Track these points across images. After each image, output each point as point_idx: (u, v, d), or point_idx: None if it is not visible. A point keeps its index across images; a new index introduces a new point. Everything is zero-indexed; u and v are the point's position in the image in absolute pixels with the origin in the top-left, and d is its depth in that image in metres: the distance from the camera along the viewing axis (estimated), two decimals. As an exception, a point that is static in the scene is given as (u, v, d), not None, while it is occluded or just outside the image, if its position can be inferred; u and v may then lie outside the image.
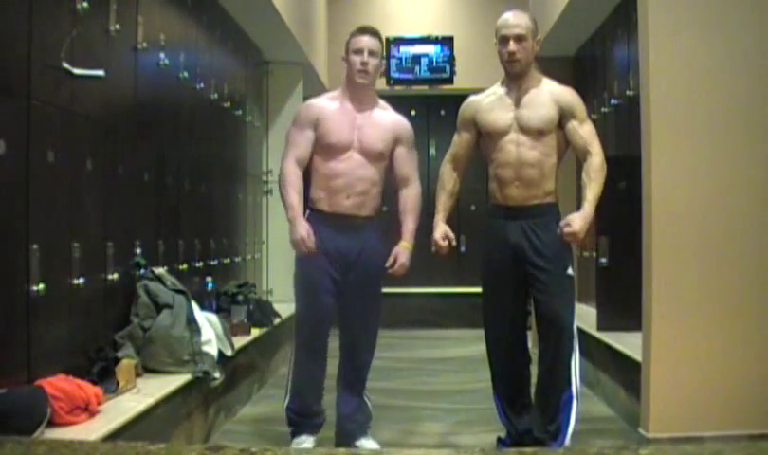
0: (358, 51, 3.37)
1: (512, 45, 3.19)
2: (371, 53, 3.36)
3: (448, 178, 3.41)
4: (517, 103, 3.24)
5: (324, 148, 3.36)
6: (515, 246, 3.20)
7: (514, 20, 3.23)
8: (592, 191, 3.13)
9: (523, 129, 3.20)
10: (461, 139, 3.40)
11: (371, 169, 3.36)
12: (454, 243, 3.33)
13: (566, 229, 3.09)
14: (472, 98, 3.39)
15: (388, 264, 3.37)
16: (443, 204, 3.38)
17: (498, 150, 3.25)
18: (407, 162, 3.46)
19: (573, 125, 3.20)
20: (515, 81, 3.26)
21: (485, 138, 3.31)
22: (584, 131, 3.20)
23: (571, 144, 3.24)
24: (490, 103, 3.30)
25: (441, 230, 3.31)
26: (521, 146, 3.20)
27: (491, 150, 3.29)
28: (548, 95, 3.24)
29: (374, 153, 3.36)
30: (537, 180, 3.21)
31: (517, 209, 3.22)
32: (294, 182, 3.34)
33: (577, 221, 3.09)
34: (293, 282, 3.47)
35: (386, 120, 3.44)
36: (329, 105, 3.42)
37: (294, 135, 3.41)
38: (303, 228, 3.26)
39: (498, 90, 3.33)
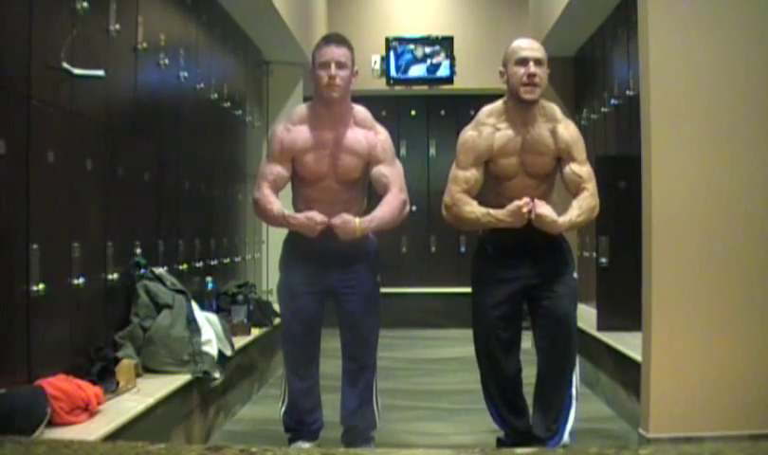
0: (324, 65, 3.11)
1: (533, 67, 3.02)
2: (339, 65, 3.11)
3: (468, 199, 3.15)
4: (522, 146, 3.13)
5: (300, 178, 3.26)
6: (518, 250, 3.17)
7: (532, 44, 3.12)
8: (576, 216, 3.05)
9: (530, 175, 3.16)
10: (471, 177, 3.15)
11: (349, 192, 3.24)
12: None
13: (538, 208, 2.98)
14: (477, 135, 3.17)
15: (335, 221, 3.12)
16: (478, 205, 3.15)
17: (504, 187, 3.20)
18: (390, 181, 3.22)
19: (570, 168, 3.12)
20: (523, 111, 3.11)
21: (490, 173, 3.24)
22: (582, 171, 3.12)
23: (564, 182, 3.16)
24: (501, 146, 3.13)
25: (511, 204, 3.03)
26: (527, 187, 3.15)
27: (495, 183, 3.22)
28: (550, 137, 3.12)
29: (349, 181, 3.23)
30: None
31: None
32: (271, 200, 3.19)
33: (552, 216, 2.98)
34: (276, 291, 3.43)
35: (360, 143, 3.21)
36: (301, 135, 3.21)
37: (266, 167, 3.25)
38: (302, 215, 3.13)
39: (503, 126, 3.15)
